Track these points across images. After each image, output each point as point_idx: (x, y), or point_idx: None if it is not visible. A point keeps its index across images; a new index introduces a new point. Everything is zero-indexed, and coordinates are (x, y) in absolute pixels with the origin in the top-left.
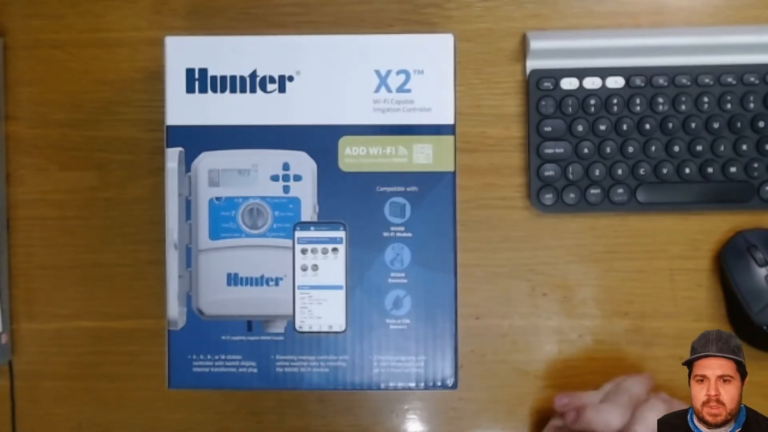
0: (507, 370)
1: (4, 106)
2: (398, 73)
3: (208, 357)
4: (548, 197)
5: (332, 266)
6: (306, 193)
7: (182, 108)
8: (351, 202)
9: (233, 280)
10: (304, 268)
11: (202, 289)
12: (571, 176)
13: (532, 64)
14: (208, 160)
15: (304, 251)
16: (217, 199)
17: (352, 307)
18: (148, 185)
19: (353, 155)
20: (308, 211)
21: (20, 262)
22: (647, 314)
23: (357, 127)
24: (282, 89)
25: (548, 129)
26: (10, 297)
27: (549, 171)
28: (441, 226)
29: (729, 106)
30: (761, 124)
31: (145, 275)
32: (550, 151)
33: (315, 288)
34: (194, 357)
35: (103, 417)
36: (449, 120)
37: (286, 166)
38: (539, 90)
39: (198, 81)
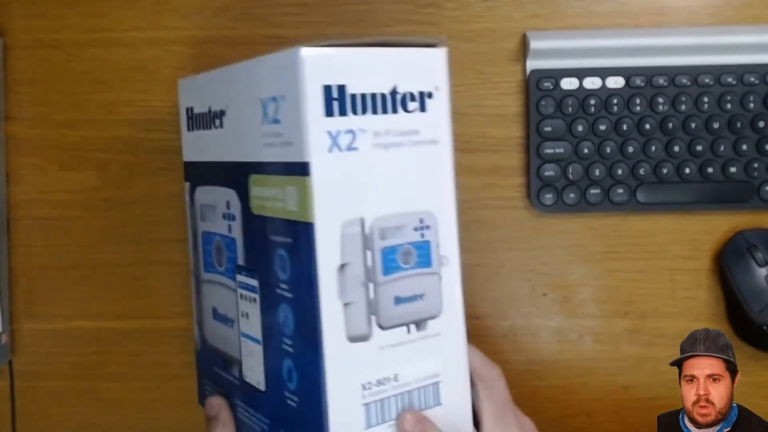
0: (507, 370)
1: (4, 106)
2: (272, 100)
3: (210, 384)
4: (548, 197)
5: (254, 316)
6: (239, 235)
7: (187, 144)
8: (259, 249)
9: (215, 314)
10: (242, 314)
11: (204, 317)
12: (571, 176)
13: (532, 64)
14: (199, 195)
15: (241, 296)
16: (204, 233)
17: (268, 366)
18: (148, 185)
19: (257, 196)
20: (241, 253)
21: (20, 262)
22: (647, 314)
23: (256, 164)
24: (210, 126)
25: (548, 129)
26: (10, 297)
27: (549, 171)
28: (306, 293)
29: (729, 106)
30: (761, 124)
31: (145, 275)
32: (550, 151)
33: (246, 337)
34: (205, 381)
35: (103, 417)
36: (304, 157)
37: (228, 205)
38: (539, 90)
39: (191, 119)
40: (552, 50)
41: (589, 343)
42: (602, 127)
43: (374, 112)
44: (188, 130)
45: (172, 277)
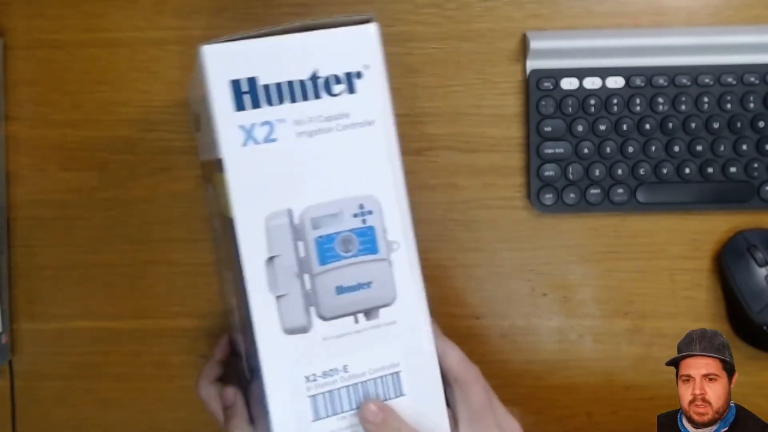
0: (507, 370)
1: (4, 106)
2: (203, 99)
3: (238, 376)
4: (548, 197)
5: (236, 310)
6: (222, 232)
7: (197, 144)
8: (228, 245)
9: (232, 308)
10: (235, 307)
11: (229, 312)
12: (571, 176)
13: (532, 64)
14: (208, 194)
15: (231, 291)
16: (215, 230)
17: (247, 357)
18: (148, 185)
19: (218, 194)
20: (225, 249)
21: (20, 262)
22: (647, 314)
23: (214, 163)
24: (199, 127)
25: (548, 129)
26: (10, 297)
27: (549, 171)
28: (241, 288)
29: (729, 106)
30: (761, 124)
31: (145, 275)
32: (550, 151)
33: (237, 329)
34: (238, 374)
35: (103, 417)
36: (219, 154)
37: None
38: (539, 90)
39: (193, 119)
40: (552, 50)
41: (589, 343)
42: (602, 127)
43: (293, 100)
44: (195, 130)
45: (172, 277)
